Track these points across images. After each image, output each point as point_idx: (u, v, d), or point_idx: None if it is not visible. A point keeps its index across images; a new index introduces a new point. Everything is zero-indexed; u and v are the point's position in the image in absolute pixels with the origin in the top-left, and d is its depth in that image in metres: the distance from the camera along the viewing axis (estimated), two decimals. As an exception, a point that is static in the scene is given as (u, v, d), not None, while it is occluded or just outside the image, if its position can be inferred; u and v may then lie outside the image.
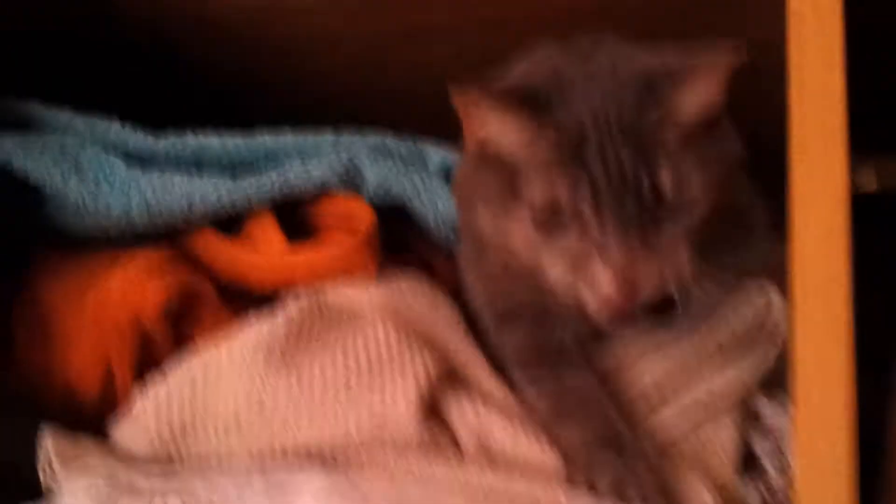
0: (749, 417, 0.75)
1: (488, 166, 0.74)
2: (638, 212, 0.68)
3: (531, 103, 0.70)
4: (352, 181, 0.87)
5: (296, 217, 0.87)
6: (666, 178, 0.69)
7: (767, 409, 0.75)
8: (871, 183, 0.98)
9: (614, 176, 0.68)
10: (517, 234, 0.72)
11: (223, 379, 0.73)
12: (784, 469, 0.71)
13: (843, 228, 0.60)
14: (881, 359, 0.76)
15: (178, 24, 0.96)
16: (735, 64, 0.70)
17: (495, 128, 0.72)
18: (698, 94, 0.70)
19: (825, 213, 0.60)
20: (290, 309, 0.74)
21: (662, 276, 0.69)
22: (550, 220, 0.70)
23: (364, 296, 0.80)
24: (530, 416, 0.75)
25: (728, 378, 0.75)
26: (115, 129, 0.87)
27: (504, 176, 0.72)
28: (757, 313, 0.74)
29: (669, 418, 0.75)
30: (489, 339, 0.80)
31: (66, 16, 0.95)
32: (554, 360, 0.77)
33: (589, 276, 0.69)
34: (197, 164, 0.87)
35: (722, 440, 0.73)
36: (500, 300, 0.80)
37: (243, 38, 0.98)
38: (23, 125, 0.87)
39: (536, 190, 0.70)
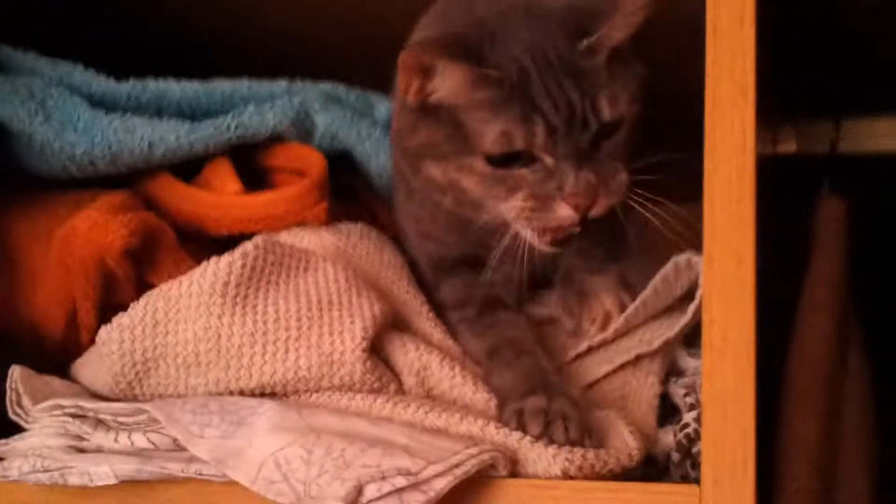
0: (671, 370, 0.80)
1: (434, 120, 0.78)
2: (585, 137, 0.75)
3: (470, 51, 0.75)
4: (302, 125, 0.92)
5: (251, 165, 0.92)
6: (604, 102, 0.75)
7: (688, 362, 0.79)
8: (791, 145, 1.04)
9: (562, 107, 0.74)
10: (468, 179, 0.77)
11: (182, 314, 0.77)
12: (699, 418, 0.76)
13: (750, 188, 0.65)
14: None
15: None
16: None
17: (442, 80, 0.76)
18: (628, 22, 0.75)
19: (734, 171, 0.66)
20: (247, 248, 0.79)
21: (609, 194, 0.75)
22: (504, 159, 0.75)
23: (315, 239, 0.86)
24: (465, 358, 0.80)
25: (651, 332, 0.80)
26: (80, 72, 0.90)
27: (451, 127, 0.77)
28: (678, 271, 0.78)
29: (596, 366, 0.80)
30: (427, 285, 0.86)
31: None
32: (488, 307, 0.83)
33: (548, 205, 0.75)
34: (158, 109, 0.91)
35: (645, 389, 0.78)
36: (437, 250, 0.85)
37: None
38: (-10, 68, 0.90)
39: (489, 133, 0.75)
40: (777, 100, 1.04)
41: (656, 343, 0.78)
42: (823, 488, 0.69)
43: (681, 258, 0.76)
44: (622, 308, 0.81)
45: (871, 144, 1.04)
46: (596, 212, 0.76)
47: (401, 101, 0.81)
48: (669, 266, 0.77)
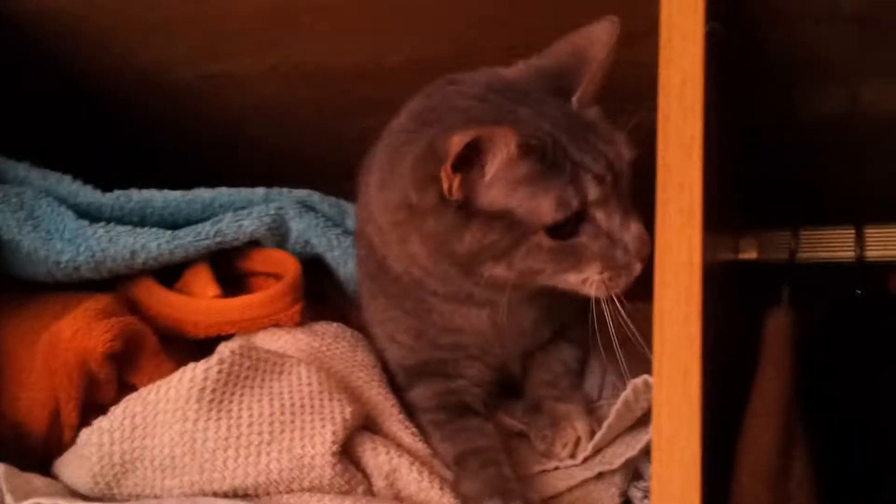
0: (633, 476, 0.84)
1: (484, 218, 0.75)
2: (622, 184, 0.76)
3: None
4: (278, 231, 0.96)
5: (230, 268, 0.96)
6: (623, 145, 0.77)
7: (647, 467, 0.82)
8: (752, 251, 1.08)
9: (598, 157, 0.75)
10: (538, 261, 0.76)
11: (159, 418, 0.80)
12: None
13: (697, 310, 0.69)
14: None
15: (141, 89, 1.05)
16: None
17: (493, 158, 0.73)
18: (601, 68, 0.77)
19: (682, 292, 0.70)
20: (223, 354, 0.82)
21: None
22: (564, 227, 0.75)
23: (291, 339, 0.90)
24: (434, 461, 0.84)
25: (613, 450, 0.84)
26: (67, 183, 0.95)
27: (503, 218, 0.75)
28: (636, 394, 0.80)
29: (560, 481, 0.84)
30: (398, 386, 0.89)
31: (41, 87, 1.03)
32: (457, 413, 0.87)
33: (622, 272, 0.77)
34: (141, 217, 0.95)
35: (606, 499, 0.82)
36: (410, 357, 0.88)
37: (194, 105, 1.07)
38: (-17, 175, 0.94)
39: (545, 203, 0.74)
40: (739, 210, 1.09)
41: (617, 462, 0.82)
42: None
43: (639, 381, 0.79)
44: (592, 434, 0.84)
45: (827, 253, 1.08)
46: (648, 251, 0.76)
47: (436, 206, 0.76)
48: (629, 390, 0.80)
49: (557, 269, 0.77)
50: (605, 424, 0.83)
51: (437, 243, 0.78)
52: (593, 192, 0.74)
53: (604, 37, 0.77)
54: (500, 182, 0.74)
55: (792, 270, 1.08)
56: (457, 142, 0.70)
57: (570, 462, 0.84)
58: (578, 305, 0.81)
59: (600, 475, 0.83)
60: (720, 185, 0.86)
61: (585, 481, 0.83)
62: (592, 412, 0.88)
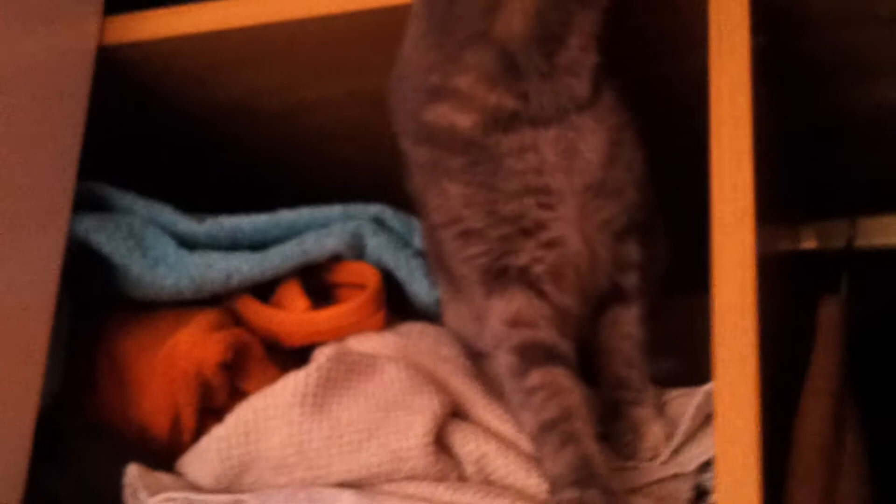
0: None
1: None
2: None
3: None
4: (356, 247, 1.04)
5: (318, 281, 1.05)
6: None
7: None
8: (811, 241, 1.14)
9: None
10: None
11: (269, 424, 0.89)
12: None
13: (752, 303, 0.76)
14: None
15: (234, 119, 1.14)
16: None
17: None
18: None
19: (736, 287, 0.77)
20: (320, 361, 0.90)
21: None
22: None
23: (379, 340, 0.98)
24: (521, 440, 0.90)
25: (686, 453, 0.89)
26: (168, 213, 1.04)
27: None
28: (707, 399, 0.86)
29: (637, 477, 0.88)
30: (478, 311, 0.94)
31: (142, 121, 1.13)
32: (539, 354, 0.88)
33: None
34: (233, 241, 1.04)
35: (682, 493, 0.87)
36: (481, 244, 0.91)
37: (278, 130, 1.16)
38: (98, 205, 1.04)
39: None
40: (797, 203, 1.15)
41: (692, 465, 0.87)
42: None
43: (708, 387, 0.85)
44: (668, 438, 0.89)
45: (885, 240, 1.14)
46: None
47: None
48: (700, 395, 0.87)
49: None
50: (680, 431, 0.88)
51: None
52: None
53: None
54: None
55: (850, 258, 1.13)
56: None
57: (649, 467, 0.89)
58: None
59: (675, 475, 0.88)
60: (775, 182, 0.92)
61: (661, 479, 0.88)
62: (663, 411, 0.93)
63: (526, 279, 0.89)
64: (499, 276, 0.90)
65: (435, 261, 1.01)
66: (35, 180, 0.95)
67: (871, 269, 1.14)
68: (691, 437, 0.90)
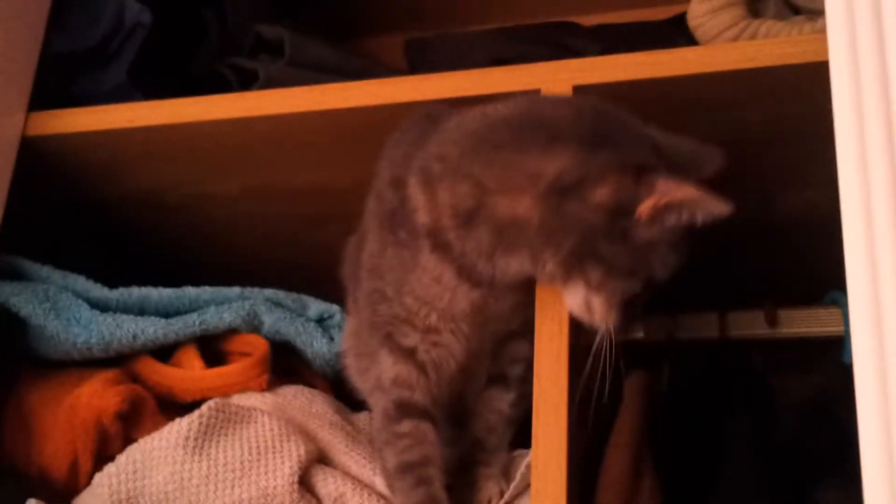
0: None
1: None
2: None
3: None
4: (252, 323, 1.20)
5: (214, 348, 1.20)
6: None
7: None
8: (639, 334, 1.32)
9: None
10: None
11: (154, 463, 1.03)
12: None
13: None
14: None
15: (140, 208, 1.31)
16: None
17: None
18: None
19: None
20: (202, 410, 1.05)
21: None
22: None
23: (259, 398, 1.14)
24: (375, 482, 1.05)
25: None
26: (82, 282, 1.19)
27: None
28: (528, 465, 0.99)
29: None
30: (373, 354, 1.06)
31: (60, 206, 1.28)
32: (409, 410, 1.02)
33: None
34: (140, 308, 1.19)
35: None
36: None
37: (185, 218, 1.32)
38: (17, 275, 1.19)
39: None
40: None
41: None
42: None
43: None
44: (502, 494, 1.04)
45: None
46: None
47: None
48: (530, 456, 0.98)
49: None
50: (512, 485, 1.03)
51: None
52: None
53: None
54: None
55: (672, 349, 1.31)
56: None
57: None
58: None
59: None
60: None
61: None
62: (509, 472, 1.07)
63: (411, 356, 1.02)
64: (392, 339, 1.03)
65: (354, 271, 1.11)
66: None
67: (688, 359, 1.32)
68: (523, 492, 1.05)
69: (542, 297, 0.97)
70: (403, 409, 1.02)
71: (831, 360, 1.21)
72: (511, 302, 1.01)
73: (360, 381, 1.14)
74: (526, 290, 0.98)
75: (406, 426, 1.02)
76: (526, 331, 0.98)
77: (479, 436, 1.09)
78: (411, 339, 1.01)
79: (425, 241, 0.97)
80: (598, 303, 0.93)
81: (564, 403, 0.93)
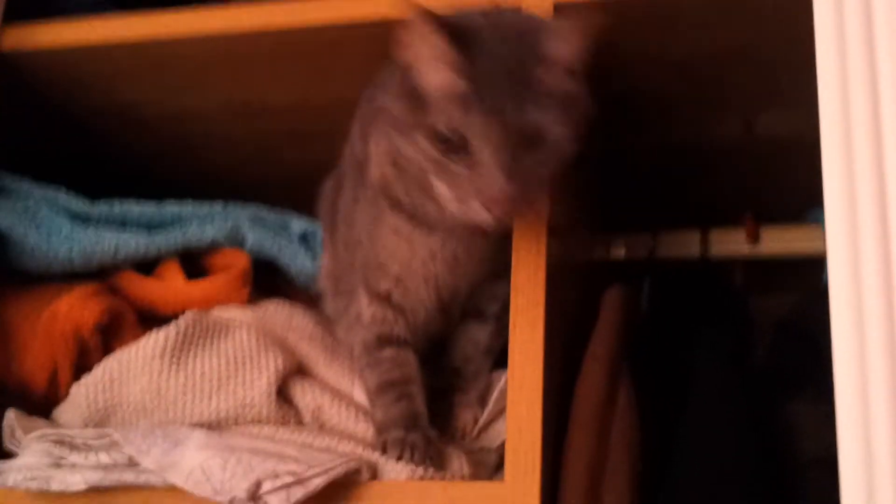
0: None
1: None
2: (516, 148, 0.87)
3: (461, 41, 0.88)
4: (235, 239, 1.21)
5: (196, 263, 1.21)
6: (541, 120, 0.88)
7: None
8: (620, 252, 1.33)
9: (501, 118, 0.86)
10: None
11: (132, 373, 1.04)
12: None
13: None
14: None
15: (119, 123, 1.29)
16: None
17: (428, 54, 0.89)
18: (567, 44, 0.90)
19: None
20: (179, 322, 1.05)
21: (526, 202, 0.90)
22: (447, 147, 0.88)
23: (239, 312, 1.14)
24: (354, 394, 1.06)
25: (497, 430, 1.05)
26: (63, 196, 1.19)
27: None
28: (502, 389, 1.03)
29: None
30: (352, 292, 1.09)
31: (43, 120, 1.27)
32: (388, 340, 1.05)
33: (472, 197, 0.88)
34: (122, 222, 1.19)
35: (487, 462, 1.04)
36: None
37: (164, 134, 1.31)
38: (-5, 190, 1.18)
39: (442, 118, 0.88)
40: (608, 215, 1.33)
41: (497, 441, 1.04)
42: (592, 486, 0.95)
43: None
44: (476, 421, 1.06)
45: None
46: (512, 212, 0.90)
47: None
48: (503, 381, 1.01)
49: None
50: (486, 410, 1.05)
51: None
52: (476, 138, 0.88)
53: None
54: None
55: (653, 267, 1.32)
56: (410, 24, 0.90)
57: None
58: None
59: (482, 447, 1.05)
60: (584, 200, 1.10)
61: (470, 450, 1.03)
62: (487, 392, 1.08)
63: (387, 299, 1.05)
64: (368, 282, 1.06)
65: (332, 213, 1.14)
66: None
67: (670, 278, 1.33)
68: (498, 415, 1.06)
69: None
70: (384, 340, 1.05)
71: (812, 281, 1.22)
72: (479, 245, 1.02)
73: (338, 319, 1.16)
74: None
75: (388, 352, 1.05)
76: (506, 271, 0.98)
77: (457, 365, 1.11)
78: (384, 284, 1.05)
79: (381, 197, 1.01)
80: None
81: (541, 320, 0.94)
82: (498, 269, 1.02)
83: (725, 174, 1.36)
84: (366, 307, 1.06)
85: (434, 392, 1.06)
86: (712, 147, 1.29)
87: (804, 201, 1.24)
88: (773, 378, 1.18)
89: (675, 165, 1.33)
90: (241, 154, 1.34)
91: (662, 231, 1.33)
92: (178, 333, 1.04)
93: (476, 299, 1.09)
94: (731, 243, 1.31)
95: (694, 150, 1.30)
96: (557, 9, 1.03)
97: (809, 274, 1.23)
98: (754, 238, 1.29)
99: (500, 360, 1.08)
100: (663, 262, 1.33)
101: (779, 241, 1.30)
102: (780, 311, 1.29)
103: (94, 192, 1.21)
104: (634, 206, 1.33)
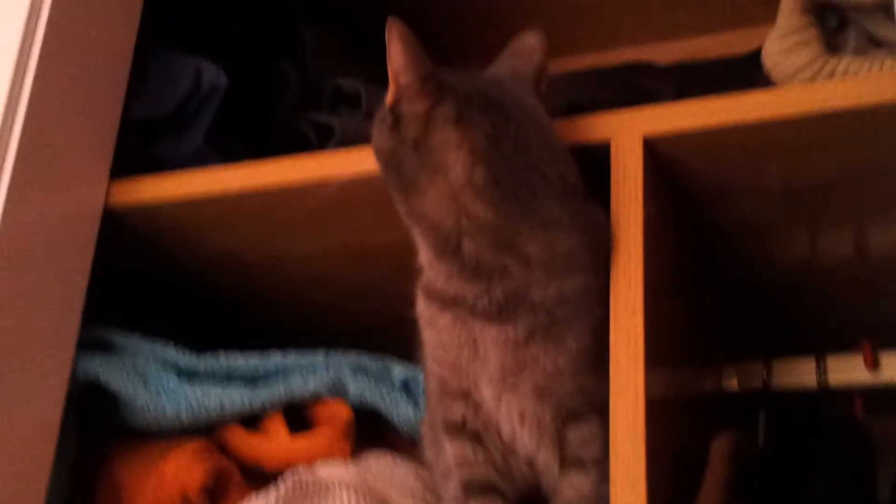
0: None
1: None
2: None
3: None
4: (337, 390, 1.21)
5: (299, 414, 1.21)
6: None
7: None
8: (733, 383, 1.29)
9: None
10: None
11: (240, 535, 1.04)
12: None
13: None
14: None
15: (222, 269, 1.32)
16: None
17: None
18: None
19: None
20: (279, 487, 1.06)
21: None
22: None
23: (339, 471, 1.13)
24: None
25: None
26: (170, 351, 1.21)
27: None
28: None
29: None
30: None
31: (147, 272, 1.29)
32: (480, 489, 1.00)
33: None
34: (227, 375, 1.20)
35: None
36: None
37: (266, 278, 1.33)
38: (105, 346, 1.20)
39: None
40: (722, 344, 1.30)
41: None
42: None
43: None
44: None
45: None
46: None
47: None
48: None
49: None
50: None
51: None
52: None
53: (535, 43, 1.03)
54: None
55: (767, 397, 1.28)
56: None
57: None
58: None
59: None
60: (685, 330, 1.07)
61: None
62: None
63: (462, 429, 1.01)
64: (445, 419, 1.03)
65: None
66: (44, 324, 1.10)
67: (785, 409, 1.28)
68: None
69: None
70: (469, 490, 1.00)
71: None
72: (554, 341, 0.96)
73: (437, 472, 1.12)
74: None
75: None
76: (593, 405, 0.95)
77: None
78: (456, 410, 1.01)
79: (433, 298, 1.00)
80: None
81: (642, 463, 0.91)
82: (585, 401, 0.97)
83: (839, 296, 1.31)
84: (448, 449, 1.02)
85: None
86: (824, 269, 1.26)
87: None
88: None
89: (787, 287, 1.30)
90: (339, 292, 1.35)
91: (775, 359, 1.29)
92: (277, 497, 1.05)
93: (568, 445, 1.00)
94: (849, 371, 1.26)
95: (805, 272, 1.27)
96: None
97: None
98: (873, 364, 1.24)
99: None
100: (779, 393, 1.28)
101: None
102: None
103: (195, 338, 1.23)
104: (745, 334, 1.29)
